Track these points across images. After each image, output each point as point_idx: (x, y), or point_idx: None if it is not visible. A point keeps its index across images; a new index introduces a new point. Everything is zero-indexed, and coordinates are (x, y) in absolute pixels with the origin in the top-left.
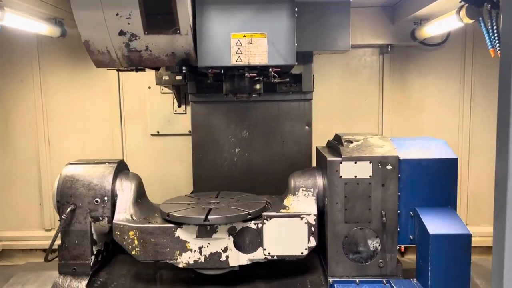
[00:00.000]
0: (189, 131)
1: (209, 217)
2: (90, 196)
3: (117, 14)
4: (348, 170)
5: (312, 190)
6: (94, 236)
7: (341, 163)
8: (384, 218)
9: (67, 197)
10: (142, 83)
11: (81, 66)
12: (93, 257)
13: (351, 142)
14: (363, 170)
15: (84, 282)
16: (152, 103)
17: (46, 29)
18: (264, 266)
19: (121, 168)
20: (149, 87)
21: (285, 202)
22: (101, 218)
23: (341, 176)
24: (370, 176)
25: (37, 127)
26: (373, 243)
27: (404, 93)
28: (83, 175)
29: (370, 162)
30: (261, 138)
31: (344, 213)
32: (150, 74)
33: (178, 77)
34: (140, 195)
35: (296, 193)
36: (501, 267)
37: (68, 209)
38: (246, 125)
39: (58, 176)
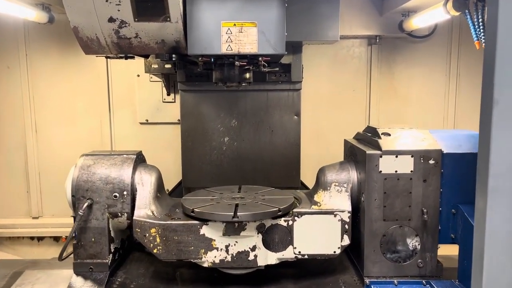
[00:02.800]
0: (178, 120)
1: (238, 213)
2: (108, 190)
3: (107, 1)
4: (388, 165)
5: (345, 185)
6: (112, 233)
7: (381, 157)
8: (425, 216)
9: (83, 191)
10: (131, 71)
11: (69, 53)
12: (111, 255)
13: (389, 134)
14: (404, 165)
15: (101, 283)
16: (141, 91)
17: (33, 14)
18: (290, 265)
19: (139, 160)
20: (138, 75)
21: (316, 198)
22: (120, 214)
23: (380, 171)
24: (411, 171)
25: (24, 114)
26: (413, 242)
27: (391, 84)
28: (100, 167)
29: (412, 156)
30: (250, 128)
31: (382, 210)
32: (139, 62)
33: (168, 66)
34: (160, 189)
35: (328, 188)
36: (481, 248)
37: (85, 205)
38: (235, 114)
39: (72, 169)
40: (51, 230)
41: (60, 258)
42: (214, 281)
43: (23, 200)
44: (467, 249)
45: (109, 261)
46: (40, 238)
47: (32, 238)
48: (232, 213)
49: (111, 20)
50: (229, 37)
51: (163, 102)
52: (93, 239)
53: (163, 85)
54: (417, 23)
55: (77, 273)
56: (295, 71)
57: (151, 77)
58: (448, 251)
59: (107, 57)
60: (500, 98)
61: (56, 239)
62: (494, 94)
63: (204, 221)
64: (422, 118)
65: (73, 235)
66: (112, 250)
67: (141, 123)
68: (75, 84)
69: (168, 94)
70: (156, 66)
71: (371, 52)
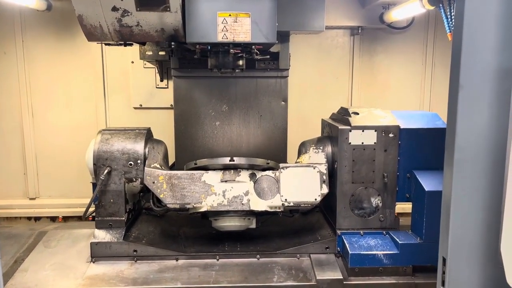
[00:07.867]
0: (171, 105)
1: (234, 158)
2: (124, 159)
3: None
4: (356, 138)
5: (321, 148)
6: (127, 196)
7: (350, 131)
8: (385, 179)
9: (103, 160)
10: (125, 58)
11: (65, 39)
12: (126, 214)
13: (358, 113)
14: (369, 138)
15: (120, 236)
16: (135, 77)
17: (34, 2)
18: (278, 225)
19: (149, 135)
20: (132, 62)
21: (298, 160)
22: (134, 180)
23: (350, 143)
24: (374, 143)
25: (20, 99)
26: (375, 201)
27: (372, 72)
28: (117, 140)
29: (375, 131)
30: (240, 113)
31: (351, 175)
32: (133, 50)
33: (162, 53)
34: (166, 158)
35: (307, 151)
36: (448, 210)
37: (106, 171)
38: (226, 100)
39: (92, 142)
40: (48, 211)
41: (84, 216)
42: (213, 237)
43: (20, 182)
44: (418, 206)
45: (125, 219)
46: (37, 218)
47: (29, 218)
48: (229, 158)
49: (114, 9)
50: (224, 26)
51: (157, 87)
52: (112, 200)
53: (156, 71)
54: (396, 15)
55: (99, 228)
56: (282, 59)
57: (145, 64)
58: None
59: (107, 44)
60: (465, 83)
61: (53, 219)
62: (460, 80)
63: (206, 169)
64: (400, 104)
65: (96, 196)
66: (127, 210)
67: (135, 108)
68: (71, 69)
69: (161, 80)
70: (150, 53)
71: (353, 42)
